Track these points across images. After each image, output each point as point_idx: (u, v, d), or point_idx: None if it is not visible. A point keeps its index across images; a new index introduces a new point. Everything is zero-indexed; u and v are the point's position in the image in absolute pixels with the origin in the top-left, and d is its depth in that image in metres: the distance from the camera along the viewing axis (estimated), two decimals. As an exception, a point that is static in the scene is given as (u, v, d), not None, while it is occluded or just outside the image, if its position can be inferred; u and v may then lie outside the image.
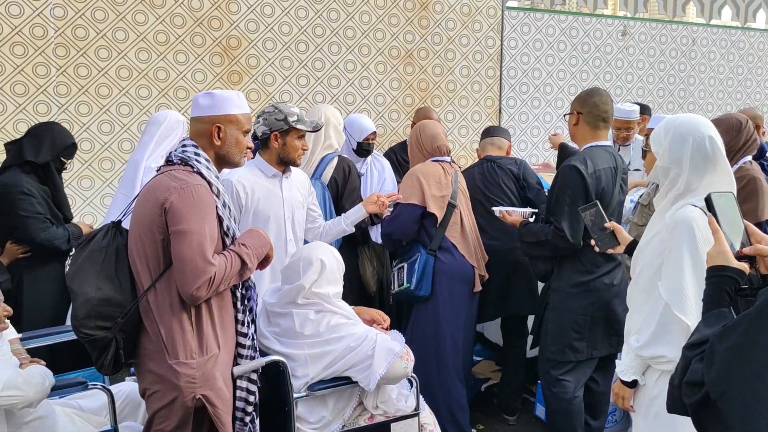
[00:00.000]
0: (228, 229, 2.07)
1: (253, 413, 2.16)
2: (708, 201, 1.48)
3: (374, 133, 3.89)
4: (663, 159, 2.00)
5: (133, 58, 4.62)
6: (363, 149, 3.84)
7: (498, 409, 3.69)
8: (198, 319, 2.00)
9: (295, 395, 2.22)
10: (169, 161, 2.08)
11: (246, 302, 2.15)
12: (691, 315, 1.84)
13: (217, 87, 4.83)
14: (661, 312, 1.92)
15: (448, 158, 3.29)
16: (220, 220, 2.04)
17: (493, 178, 3.46)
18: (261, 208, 2.75)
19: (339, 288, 2.42)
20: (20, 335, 2.43)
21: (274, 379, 2.24)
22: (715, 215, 1.46)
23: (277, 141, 2.76)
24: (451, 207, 3.18)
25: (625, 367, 2.06)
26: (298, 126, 2.74)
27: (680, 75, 6.57)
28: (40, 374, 2.09)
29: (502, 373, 3.78)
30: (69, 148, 3.21)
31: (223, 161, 2.16)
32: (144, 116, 4.68)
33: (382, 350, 2.29)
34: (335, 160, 3.37)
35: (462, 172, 3.49)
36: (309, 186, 3.05)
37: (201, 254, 1.93)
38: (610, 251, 2.41)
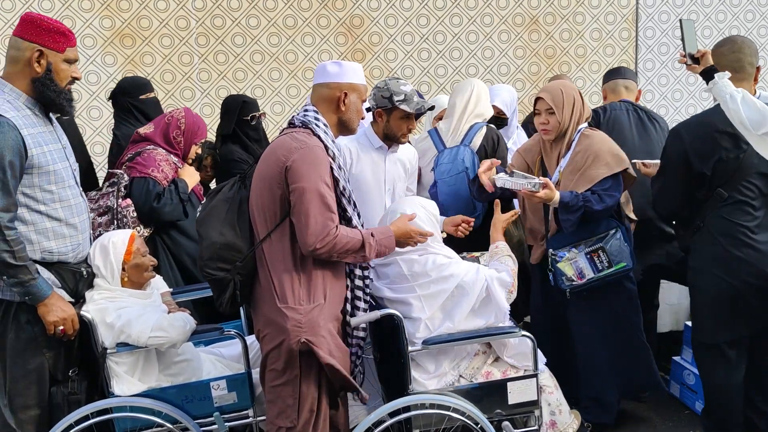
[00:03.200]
0: (344, 189, 2.23)
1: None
2: None
3: (494, 106, 3.74)
4: None
5: (264, 42, 4.98)
6: (490, 120, 3.86)
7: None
8: (306, 270, 2.18)
9: (410, 349, 2.35)
10: (291, 124, 2.29)
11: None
12: None
13: (342, 66, 5.07)
14: None
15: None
16: (336, 180, 2.20)
17: (646, 130, 3.30)
18: (364, 176, 2.88)
19: (436, 234, 2.47)
20: (171, 289, 2.78)
21: (392, 331, 2.38)
22: None
23: (381, 117, 2.85)
24: None
25: None
26: (402, 106, 2.75)
27: None
28: (182, 318, 2.40)
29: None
30: (244, 108, 3.58)
31: (343, 127, 2.34)
32: (276, 97, 5.03)
33: (494, 287, 2.37)
34: (484, 129, 3.38)
35: (604, 115, 3.34)
36: (415, 163, 3.10)
37: (322, 211, 2.11)
38: (695, 68, 2.51)
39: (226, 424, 2.46)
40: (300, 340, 2.14)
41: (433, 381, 2.40)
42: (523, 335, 2.45)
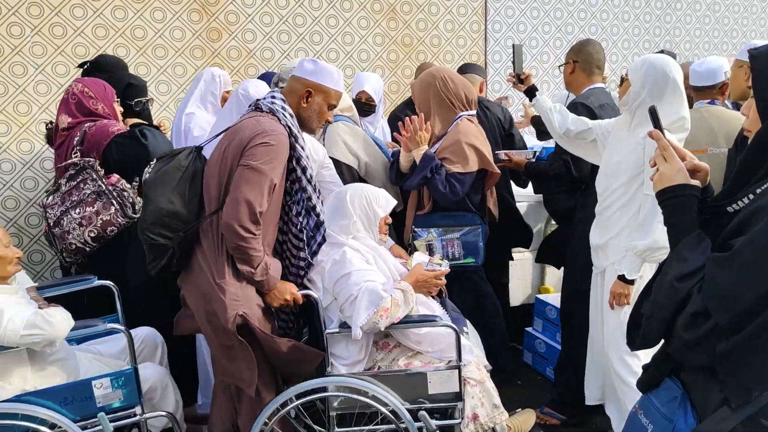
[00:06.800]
0: (311, 177, 2.40)
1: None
2: (653, 113, 1.44)
3: (363, 92, 3.94)
4: (636, 84, 2.52)
5: (109, 16, 4.71)
6: (357, 107, 4.00)
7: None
8: None
9: (327, 330, 2.45)
10: (258, 108, 2.36)
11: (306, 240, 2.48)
12: None
13: (196, 44, 4.97)
14: (648, 209, 2.41)
15: (474, 111, 3.27)
16: (303, 168, 2.36)
17: (481, 122, 3.55)
18: None
19: (348, 224, 2.57)
20: (36, 284, 2.61)
21: (312, 314, 2.51)
22: (660, 129, 1.40)
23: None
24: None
25: (628, 268, 2.49)
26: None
27: (665, 26, 6.84)
28: (60, 314, 2.28)
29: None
30: (128, 91, 3.35)
31: (302, 124, 2.43)
32: (123, 76, 4.78)
33: (361, 298, 2.38)
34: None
35: None
36: (323, 155, 3.03)
37: (257, 197, 2.21)
38: (520, 87, 3.20)
39: (111, 424, 2.38)
40: (238, 313, 2.25)
41: (346, 368, 2.47)
42: (445, 325, 2.50)
